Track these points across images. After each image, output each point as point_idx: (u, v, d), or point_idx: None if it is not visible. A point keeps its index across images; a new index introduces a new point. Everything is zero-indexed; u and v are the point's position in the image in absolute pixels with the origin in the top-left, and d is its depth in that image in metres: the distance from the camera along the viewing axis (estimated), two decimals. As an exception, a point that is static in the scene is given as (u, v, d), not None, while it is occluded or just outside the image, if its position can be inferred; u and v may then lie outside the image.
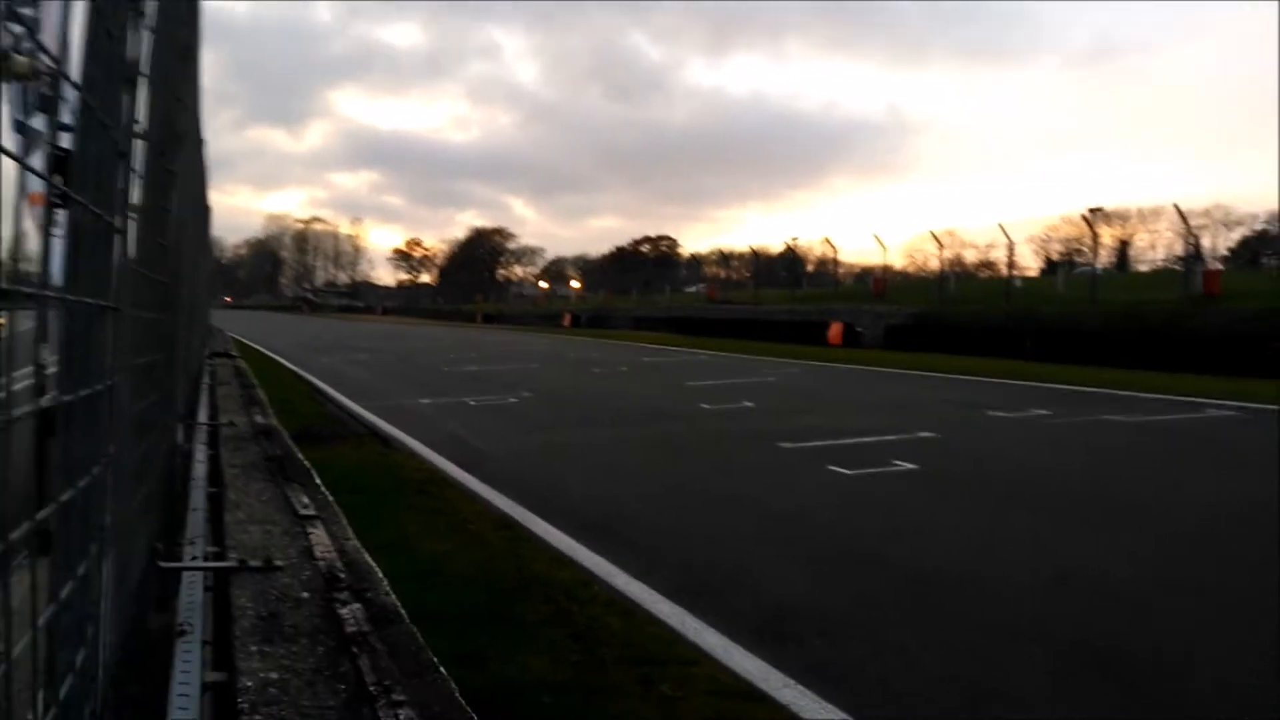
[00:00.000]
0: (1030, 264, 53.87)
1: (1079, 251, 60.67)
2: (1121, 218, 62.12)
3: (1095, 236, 35.13)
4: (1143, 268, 52.91)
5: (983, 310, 29.45)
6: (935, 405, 14.06)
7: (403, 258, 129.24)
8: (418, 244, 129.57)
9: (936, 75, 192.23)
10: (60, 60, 1.37)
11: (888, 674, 4.22)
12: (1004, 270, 36.72)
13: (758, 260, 55.71)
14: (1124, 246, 60.65)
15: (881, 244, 38.58)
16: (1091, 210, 34.77)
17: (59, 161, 1.47)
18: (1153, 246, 58.93)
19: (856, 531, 6.69)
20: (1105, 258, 53.90)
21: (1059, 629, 4.75)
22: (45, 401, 1.33)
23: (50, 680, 1.26)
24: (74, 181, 1.43)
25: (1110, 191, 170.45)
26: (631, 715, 3.74)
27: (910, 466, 8.95)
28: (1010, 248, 33.88)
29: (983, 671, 4.24)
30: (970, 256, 54.76)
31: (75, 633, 1.36)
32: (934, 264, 43.82)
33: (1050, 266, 57.72)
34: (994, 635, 4.66)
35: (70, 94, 1.48)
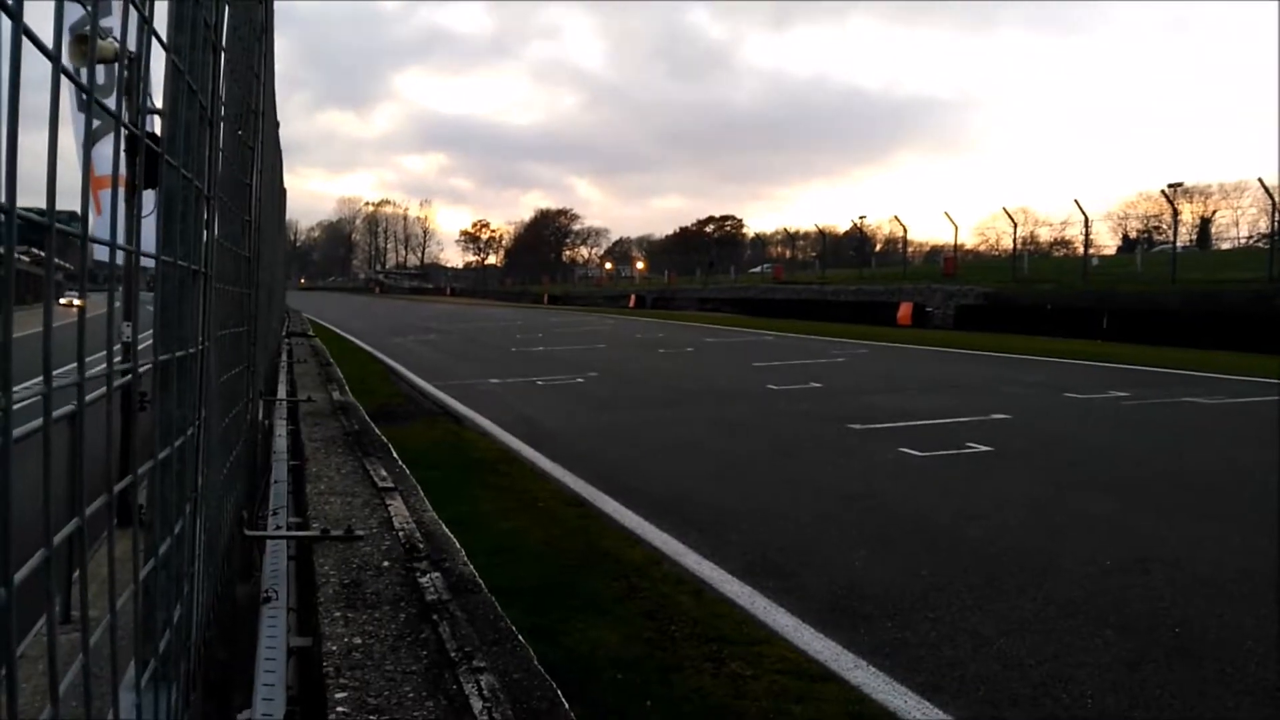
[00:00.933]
0: (1107, 242, 52.30)
1: (1158, 229, 58.84)
2: (1203, 194, 60.08)
3: (1175, 213, 33.92)
4: (1225, 245, 51.10)
5: (1058, 289, 28.71)
6: (1009, 386, 13.76)
7: (470, 239, 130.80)
8: (485, 225, 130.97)
9: (1005, 48, 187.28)
10: (150, 31, 1.39)
11: (960, 657, 4.15)
12: (1080, 248, 35.72)
13: (824, 239, 55.08)
14: (1205, 223, 58.65)
15: (952, 221, 37.78)
16: (1171, 186, 33.60)
17: (144, 145, 1.49)
18: (1236, 223, 56.89)
19: (928, 513, 6.58)
20: (1185, 235, 52.15)
21: (1136, 614, 4.62)
22: (142, 366, 1.36)
23: (148, 635, 1.29)
24: (165, 147, 1.45)
25: (1191, 166, 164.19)
26: (703, 693, 3.75)
27: (984, 448, 8.78)
28: (1086, 224, 32.92)
29: (1057, 656, 4.14)
30: (1044, 234, 53.50)
31: (172, 590, 1.39)
32: (1006, 242, 42.86)
33: (1128, 244, 56.04)
34: (1069, 620, 4.55)
35: (150, 77, 1.50)
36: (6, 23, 0.82)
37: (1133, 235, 60.40)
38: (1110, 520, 6.31)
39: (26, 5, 0.82)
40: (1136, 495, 7.04)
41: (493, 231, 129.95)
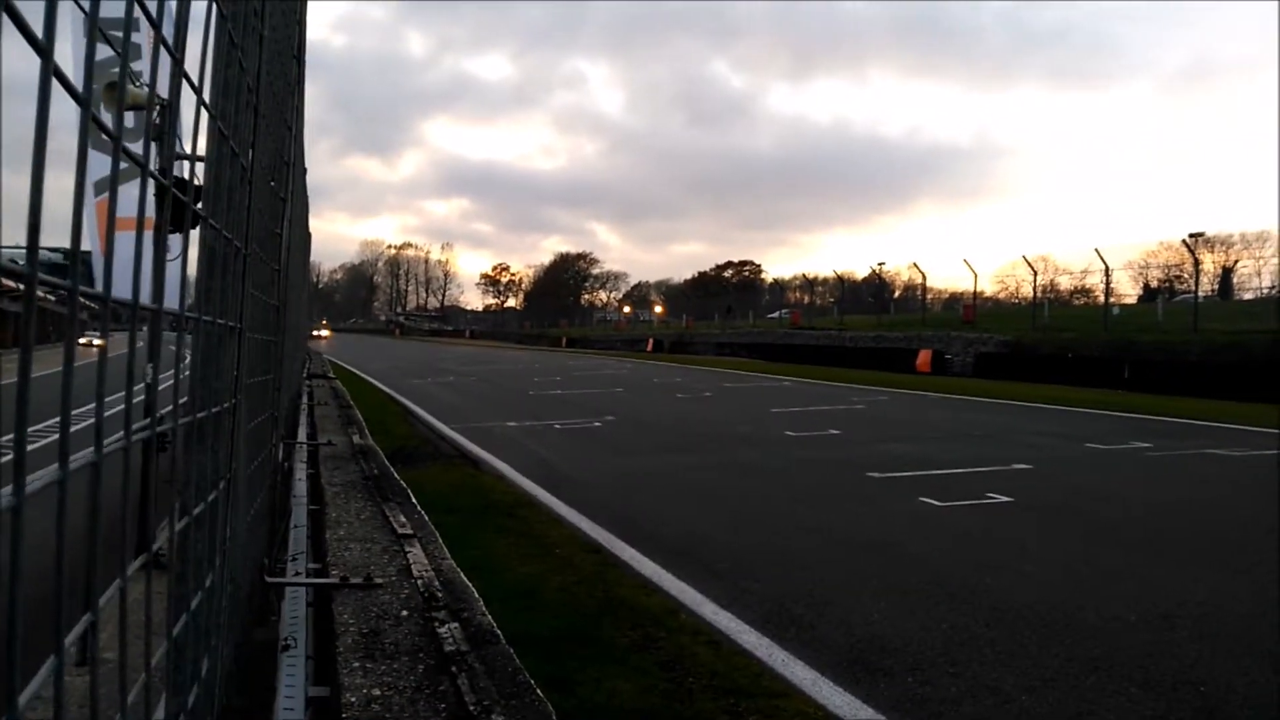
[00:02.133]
0: (1128, 291, 52.12)
1: (1179, 278, 58.52)
2: (1224, 243, 59.86)
3: (1196, 263, 33.82)
4: (1247, 295, 50.76)
5: (1078, 338, 28.58)
6: (1030, 436, 13.66)
7: (490, 282, 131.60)
8: (505, 269, 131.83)
9: (1024, 98, 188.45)
10: (193, 88, 1.44)
11: (982, 713, 4.09)
12: (1101, 297, 35.60)
13: (843, 286, 55.13)
14: (1227, 273, 58.35)
15: (972, 269, 37.79)
16: (1192, 235, 33.52)
17: (169, 191, 1.53)
18: (1258, 273, 56.58)
19: (949, 565, 6.52)
20: (1207, 285, 51.85)
21: (1161, 670, 4.55)
22: (181, 420, 1.39)
23: (176, 689, 1.30)
24: (208, 207, 1.49)
25: (1212, 216, 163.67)
26: (720, 745, 3.71)
27: (1005, 499, 8.71)
28: (1107, 273, 32.85)
29: (1080, 713, 4.08)
30: (1065, 283, 53.35)
31: (200, 643, 1.41)
32: (1026, 290, 42.78)
33: (1149, 294, 55.75)
34: (1092, 676, 4.48)
35: (180, 122, 1.54)
36: (35, 63, 0.85)
37: (1154, 284, 60.10)
38: (1134, 574, 6.24)
39: (59, 45, 0.85)
40: (1160, 548, 6.95)
41: (513, 275, 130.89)
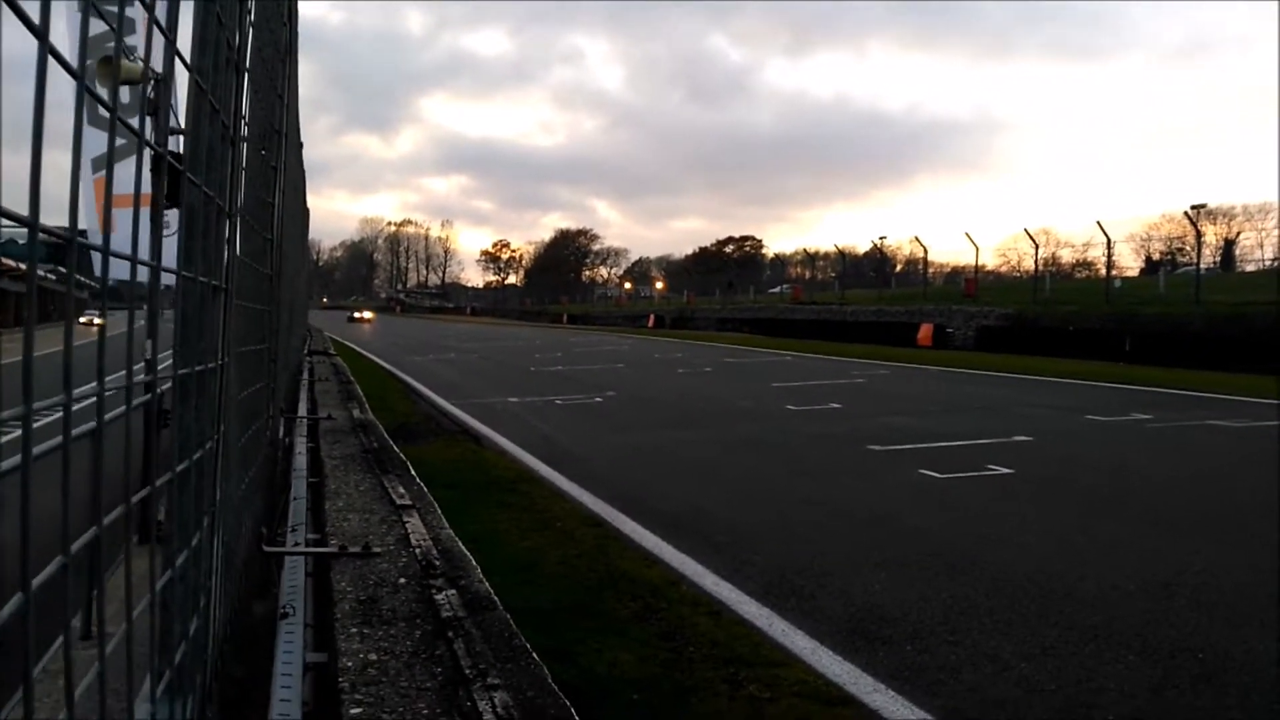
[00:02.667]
0: (1130, 264, 52.02)
1: (1181, 251, 58.31)
2: (1226, 215, 59.68)
3: (1199, 235, 33.65)
4: (1250, 267, 50.64)
5: (1080, 311, 28.51)
6: (1031, 409, 13.65)
7: (491, 259, 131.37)
8: (505, 246, 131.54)
9: (1023, 73, 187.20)
10: (173, 52, 1.41)
11: (981, 681, 4.10)
12: (1102, 270, 35.50)
13: (844, 260, 55.00)
14: (1229, 245, 58.23)
15: (973, 243, 37.64)
16: (1194, 207, 33.35)
17: (167, 163, 1.51)
18: (1260, 245, 56.44)
19: (949, 536, 6.52)
20: (1209, 257, 51.68)
21: (1159, 638, 4.55)
22: (161, 382, 1.37)
23: (165, 647, 1.30)
24: (187, 164, 1.47)
25: (1214, 189, 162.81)
26: (720, 715, 3.72)
27: (1005, 471, 8.71)
28: (1109, 246, 32.74)
29: (1079, 680, 4.09)
30: (1066, 256, 53.19)
31: (188, 602, 1.40)
32: (1028, 264, 42.62)
33: (1151, 266, 55.64)
34: (1092, 644, 4.49)
35: (176, 96, 1.52)
36: (33, 43, 0.84)
37: (1156, 257, 59.95)
38: (1133, 544, 6.24)
39: (53, 22, 0.83)
40: (1159, 519, 6.95)
41: (513, 251, 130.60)
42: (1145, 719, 3.75)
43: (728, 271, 79.54)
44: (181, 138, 1.66)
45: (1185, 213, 33.27)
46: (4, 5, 0.75)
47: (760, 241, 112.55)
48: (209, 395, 1.53)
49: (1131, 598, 5.15)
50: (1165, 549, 6.13)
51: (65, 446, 0.84)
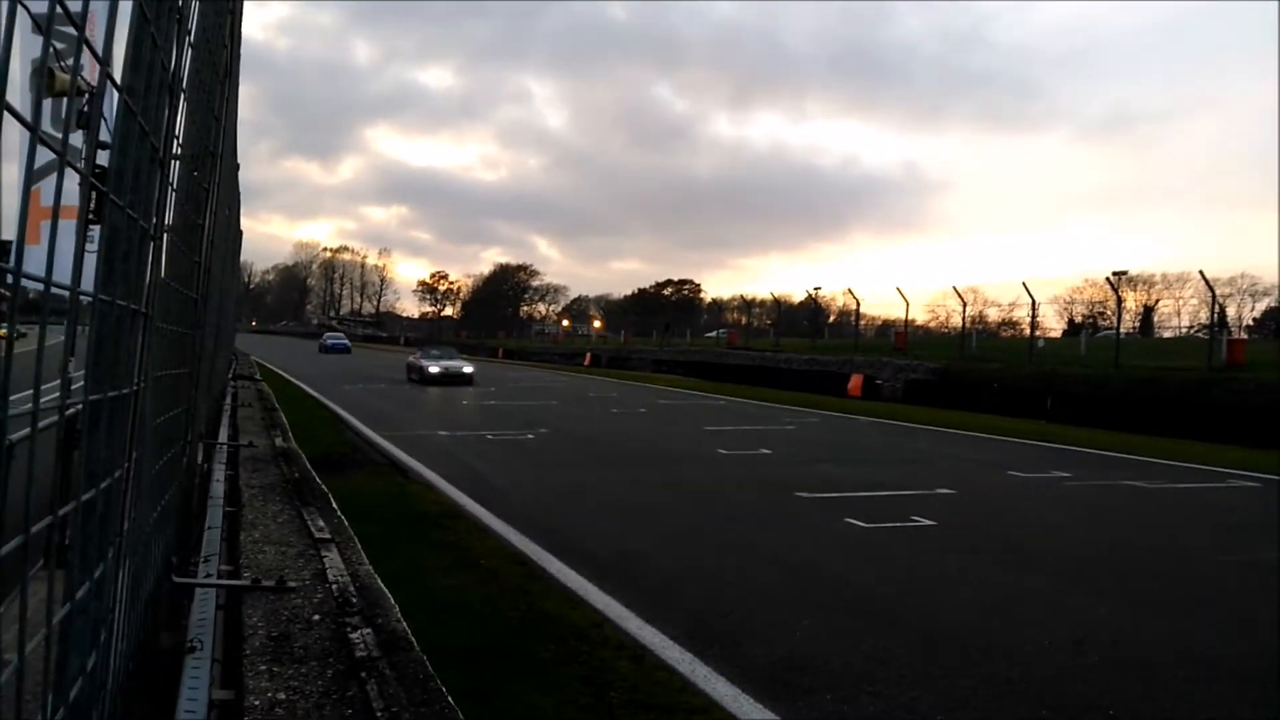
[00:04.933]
0: (1053, 325, 53.52)
1: (1102, 315, 60.40)
2: (1146, 282, 61.91)
3: (1119, 300, 34.91)
4: (1167, 334, 52.49)
5: (1005, 368, 29.24)
6: (955, 462, 13.91)
7: (428, 290, 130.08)
8: (443, 277, 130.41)
9: (954, 138, 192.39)
10: (106, 66, 1.39)
11: (900, 732, 4.12)
12: (1027, 329, 36.48)
13: (779, 308, 55.71)
14: (1148, 311, 60.29)
15: (904, 297, 38.44)
16: (1116, 274, 34.59)
17: (96, 178, 1.48)
18: (1178, 313, 58.52)
19: (872, 586, 6.58)
20: (1129, 322, 53.56)
21: (1071, 694, 4.63)
22: (71, 404, 1.33)
23: (60, 683, 1.24)
24: (111, 185, 1.44)
25: (1134, 256, 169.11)
26: (637, 761, 3.67)
27: (929, 523, 8.84)
28: (1033, 307, 33.68)
29: (998, 734, 4.14)
30: (993, 314, 54.55)
31: (88, 636, 1.34)
32: (956, 320, 43.64)
33: (1073, 328, 57.36)
34: (1006, 699, 4.55)
35: (109, 109, 1.49)
36: None
37: (1078, 319, 61.88)
38: (1049, 600, 6.37)
39: None
40: (1075, 575, 7.11)
41: (451, 283, 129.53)
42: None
43: (665, 314, 80.00)
44: (96, 152, 1.63)
45: (1107, 278, 34.45)
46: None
47: (698, 286, 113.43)
48: (122, 421, 1.48)
49: (1046, 653, 5.24)
50: (1080, 605, 6.26)
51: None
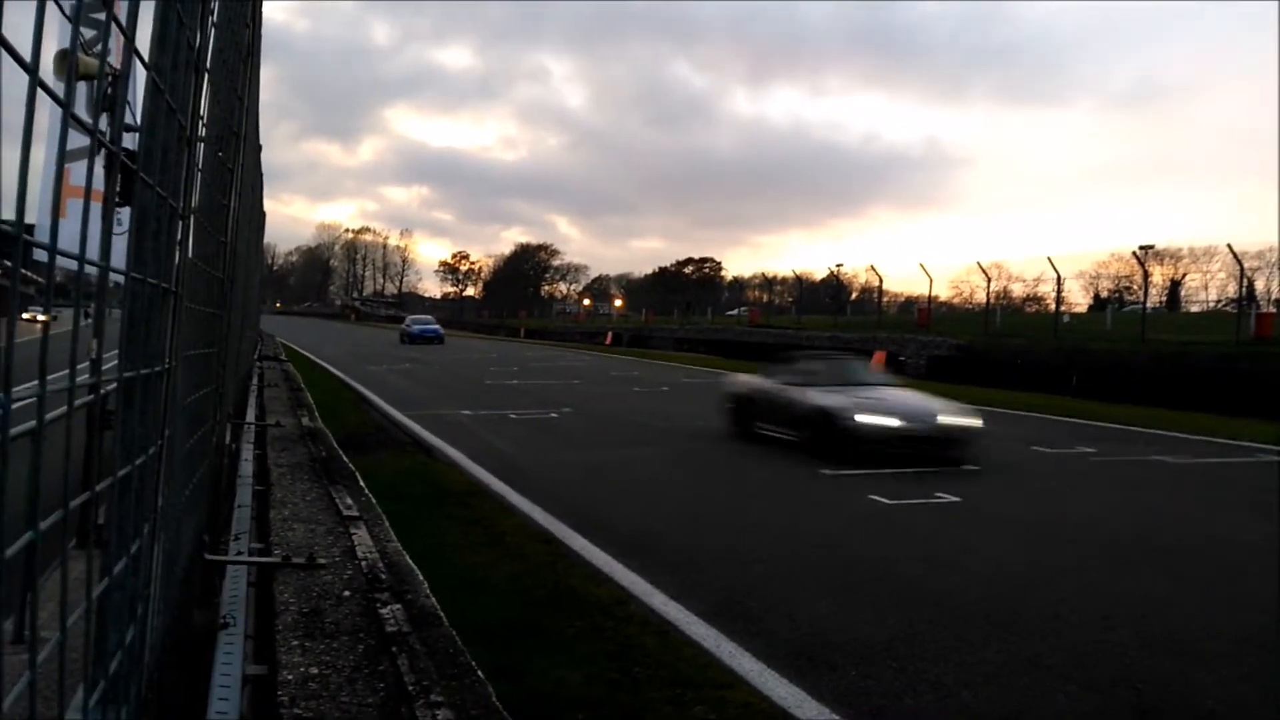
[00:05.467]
0: (1079, 300, 52.92)
1: (1129, 289, 59.76)
2: (1173, 256, 61.11)
3: (1146, 274, 34.52)
4: (1194, 308, 51.91)
5: (1029, 344, 29.02)
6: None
7: (449, 271, 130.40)
8: (464, 257, 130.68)
9: (976, 113, 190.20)
10: (132, 48, 1.39)
11: (923, 707, 4.14)
12: (1052, 305, 36.19)
13: (801, 286, 55.51)
14: (1175, 286, 59.63)
15: (927, 273, 38.18)
16: (1142, 248, 34.19)
17: (121, 161, 1.48)
18: (1205, 287, 57.92)
19: (895, 562, 6.58)
20: (1156, 296, 52.97)
21: (1099, 668, 4.62)
22: (106, 382, 1.34)
23: (99, 656, 1.26)
24: (140, 164, 1.45)
25: (1161, 230, 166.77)
26: (664, 736, 3.70)
27: (953, 499, 8.81)
28: (1059, 282, 33.40)
29: (1020, 709, 4.14)
30: (1017, 290, 54.06)
31: (126, 611, 1.36)
32: (980, 296, 43.37)
33: (1099, 303, 56.81)
34: (1033, 673, 4.55)
35: (134, 92, 1.50)
36: None
37: (1104, 294, 61.29)
38: (1075, 575, 6.34)
39: (7, 18, 0.82)
40: (1102, 551, 7.07)
41: (472, 263, 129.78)
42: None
43: (686, 292, 79.92)
44: (121, 134, 1.64)
45: (1134, 252, 34.12)
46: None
47: (719, 264, 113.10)
48: (154, 399, 1.50)
49: (1073, 628, 5.23)
50: (1107, 580, 6.23)
51: (3, 446, 0.82)
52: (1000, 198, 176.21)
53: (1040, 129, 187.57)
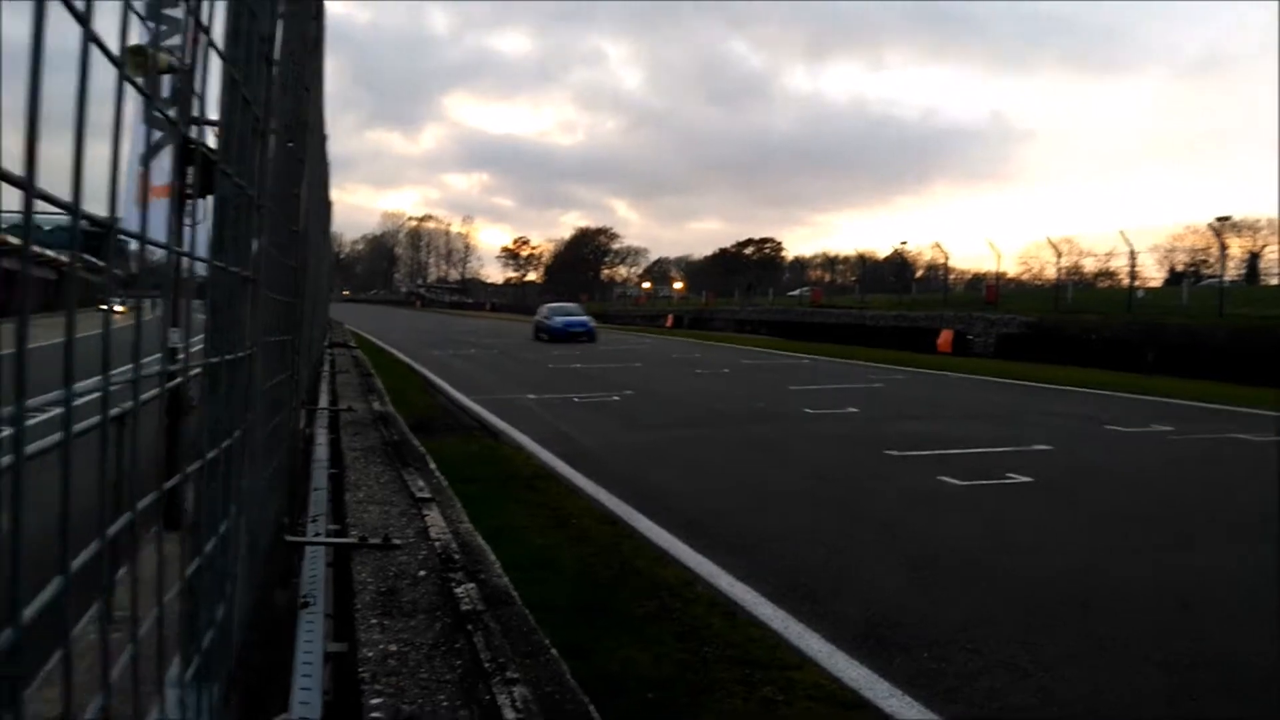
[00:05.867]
0: (1153, 274, 51.38)
1: (1205, 263, 57.81)
2: (1251, 228, 58.99)
3: (1223, 247, 33.34)
4: (1274, 280, 50.04)
5: (1102, 320, 28.28)
6: (1051, 417, 13.56)
7: (511, 256, 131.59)
8: (525, 243, 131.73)
9: (1041, 84, 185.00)
10: (209, 41, 1.42)
11: (999, 688, 4.08)
12: (1125, 280, 35.16)
13: (864, 264, 54.82)
14: (1254, 258, 57.53)
15: (994, 249, 37.40)
16: (1219, 219, 33.03)
17: (190, 154, 1.52)
18: (1286, 259, 55.76)
19: (967, 543, 6.49)
20: (1233, 269, 51.18)
21: (1178, 649, 4.51)
22: (193, 368, 1.38)
23: (192, 632, 1.31)
24: (219, 155, 1.48)
25: (1238, 201, 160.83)
26: (734, 717, 3.71)
27: (1025, 479, 8.65)
28: (1132, 256, 32.45)
29: (1097, 690, 4.06)
30: (1089, 265, 52.66)
31: (215, 589, 1.41)
32: (1050, 272, 42.37)
33: (1174, 277, 55.09)
34: (1110, 653, 4.46)
35: (201, 86, 1.53)
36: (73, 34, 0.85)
37: (1179, 268, 59.42)
38: (1153, 556, 6.19)
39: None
40: (1180, 531, 6.89)
41: (533, 249, 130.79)
42: (1164, 732, 3.72)
43: (747, 273, 79.42)
44: (206, 128, 1.68)
45: (1210, 224, 32.97)
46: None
47: (780, 244, 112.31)
48: (237, 384, 1.54)
49: (1150, 608, 5.11)
50: (1185, 561, 6.08)
51: (104, 428, 0.85)
52: (1069, 170, 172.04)
53: (1110, 98, 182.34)
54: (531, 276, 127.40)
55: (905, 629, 4.77)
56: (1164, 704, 3.93)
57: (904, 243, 50.60)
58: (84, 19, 0.83)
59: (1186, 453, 10.62)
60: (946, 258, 43.58)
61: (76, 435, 0.83)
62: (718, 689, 3.95)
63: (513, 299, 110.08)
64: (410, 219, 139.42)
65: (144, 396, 1.23)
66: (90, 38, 0.85)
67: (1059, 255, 36.27)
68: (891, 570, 5.80)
